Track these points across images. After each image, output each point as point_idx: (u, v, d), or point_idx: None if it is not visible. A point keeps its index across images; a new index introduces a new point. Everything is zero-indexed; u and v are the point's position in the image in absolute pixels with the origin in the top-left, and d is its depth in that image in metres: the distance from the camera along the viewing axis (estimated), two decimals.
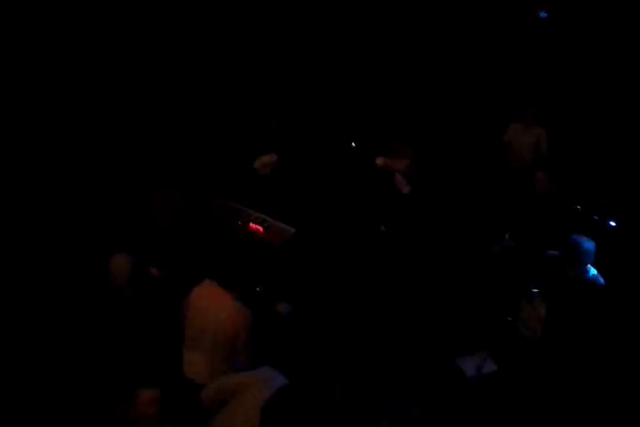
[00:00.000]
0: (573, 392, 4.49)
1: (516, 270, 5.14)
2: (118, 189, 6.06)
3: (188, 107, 7.25)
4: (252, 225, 5.71)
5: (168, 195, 6.02)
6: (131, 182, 6.20)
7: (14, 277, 4.86)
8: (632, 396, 4.25)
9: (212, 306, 3.82)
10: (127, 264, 4.71)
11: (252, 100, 7.24)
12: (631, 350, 4.35)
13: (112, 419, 3.35)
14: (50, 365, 4.21)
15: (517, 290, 4.94)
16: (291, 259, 5.68)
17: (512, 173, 6.60)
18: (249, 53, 7.49)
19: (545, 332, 4.56)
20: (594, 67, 6.75)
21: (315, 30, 7.49)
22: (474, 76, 7.33)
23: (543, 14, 6.21)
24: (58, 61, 6.56)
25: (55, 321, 4.47)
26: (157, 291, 4.59)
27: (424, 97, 7.47)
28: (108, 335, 4.40)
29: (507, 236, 5.45)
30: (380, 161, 4.94)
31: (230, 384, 3.33)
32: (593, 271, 4.64)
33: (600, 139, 6.71)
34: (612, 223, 5.48)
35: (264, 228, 5.67)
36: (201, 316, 3.82)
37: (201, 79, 7.39)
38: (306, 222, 5.81)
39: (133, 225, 5.51)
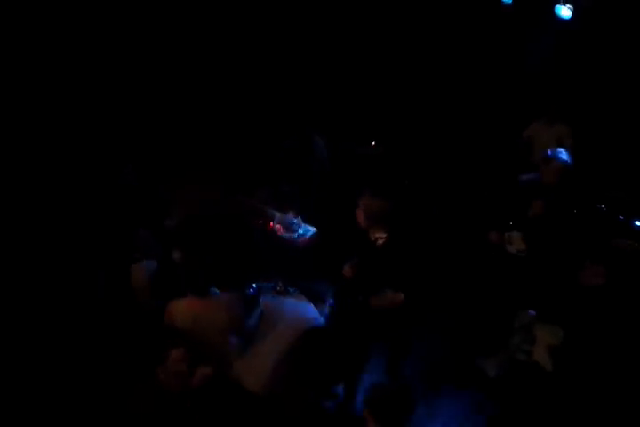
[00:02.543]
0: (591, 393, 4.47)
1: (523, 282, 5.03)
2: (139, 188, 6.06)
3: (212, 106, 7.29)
4: (271, 224, 5.69)
5: (190, 193, 6.02)
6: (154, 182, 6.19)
7: (30, 274, 4.90)
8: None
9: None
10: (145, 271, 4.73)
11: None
12: None
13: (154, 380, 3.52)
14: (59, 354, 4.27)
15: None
16: (311, 258, 5.67)
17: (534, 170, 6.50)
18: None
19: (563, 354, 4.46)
20: (617, 63, 6.64)
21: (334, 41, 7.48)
22: (496, 74, 7.24)
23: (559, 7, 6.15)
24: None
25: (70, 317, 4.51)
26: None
27: (444, 93, 7.40)
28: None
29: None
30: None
31: None
32: None
33: (622, 137, 6.61)
34: (638, 223, 5.39)
35: (284, 227, 5.65)
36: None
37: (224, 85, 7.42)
38: (327, 222, 5.79)
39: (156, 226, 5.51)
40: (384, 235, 4.09)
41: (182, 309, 3.94)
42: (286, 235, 5.62)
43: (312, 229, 5.66)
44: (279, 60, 7.49)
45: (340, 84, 7.48)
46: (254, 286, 5.31)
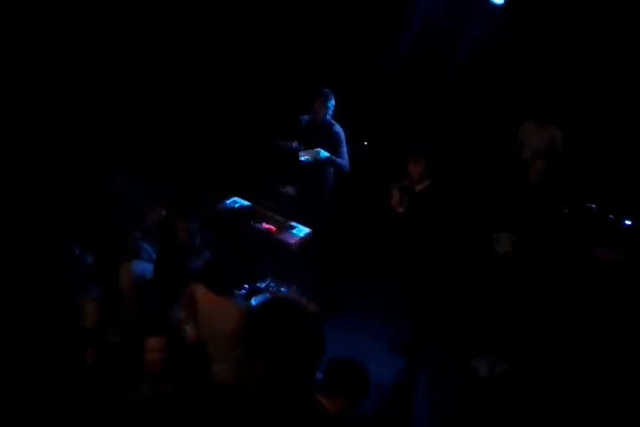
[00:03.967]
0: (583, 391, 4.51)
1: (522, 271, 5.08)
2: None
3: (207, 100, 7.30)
4: (265, 224, 5.73)
5: (182, 193, 6.04)
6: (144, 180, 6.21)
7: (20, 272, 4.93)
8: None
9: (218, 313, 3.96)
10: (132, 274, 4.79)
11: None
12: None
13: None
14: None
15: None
16: (305, 258, 5.72)
17: (524, 171, 6.54)
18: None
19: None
20: (607, 64, 6.67)
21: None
22: (486, 74, 7.25)
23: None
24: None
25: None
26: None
27: (435, 96, 7.41)
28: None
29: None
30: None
31: None
32: None
33: (612, 137, 6.63)
34: (628, 222, 5.44)
35: (278, 228, 5.70)
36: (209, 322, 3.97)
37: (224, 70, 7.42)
38: (320, 222, 5.83)
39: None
40: (427, 184, 4.89)
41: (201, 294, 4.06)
42: (280, 235, 5.66)
43: (306, 230, 5.70)
44: (273, 60, 7.50)
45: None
46: (246, 286, 5.41)
